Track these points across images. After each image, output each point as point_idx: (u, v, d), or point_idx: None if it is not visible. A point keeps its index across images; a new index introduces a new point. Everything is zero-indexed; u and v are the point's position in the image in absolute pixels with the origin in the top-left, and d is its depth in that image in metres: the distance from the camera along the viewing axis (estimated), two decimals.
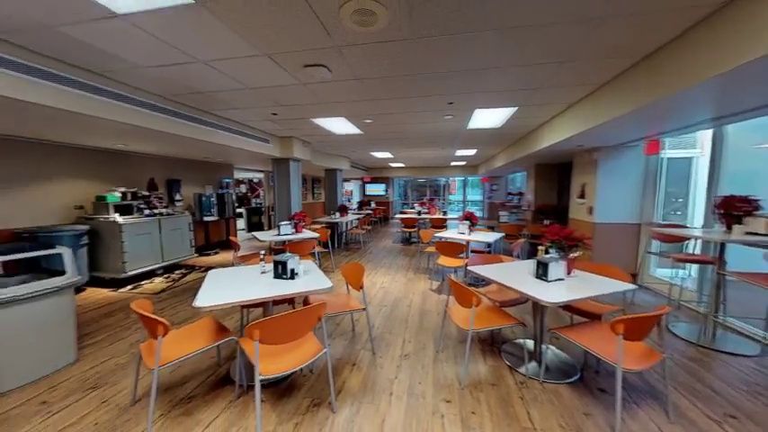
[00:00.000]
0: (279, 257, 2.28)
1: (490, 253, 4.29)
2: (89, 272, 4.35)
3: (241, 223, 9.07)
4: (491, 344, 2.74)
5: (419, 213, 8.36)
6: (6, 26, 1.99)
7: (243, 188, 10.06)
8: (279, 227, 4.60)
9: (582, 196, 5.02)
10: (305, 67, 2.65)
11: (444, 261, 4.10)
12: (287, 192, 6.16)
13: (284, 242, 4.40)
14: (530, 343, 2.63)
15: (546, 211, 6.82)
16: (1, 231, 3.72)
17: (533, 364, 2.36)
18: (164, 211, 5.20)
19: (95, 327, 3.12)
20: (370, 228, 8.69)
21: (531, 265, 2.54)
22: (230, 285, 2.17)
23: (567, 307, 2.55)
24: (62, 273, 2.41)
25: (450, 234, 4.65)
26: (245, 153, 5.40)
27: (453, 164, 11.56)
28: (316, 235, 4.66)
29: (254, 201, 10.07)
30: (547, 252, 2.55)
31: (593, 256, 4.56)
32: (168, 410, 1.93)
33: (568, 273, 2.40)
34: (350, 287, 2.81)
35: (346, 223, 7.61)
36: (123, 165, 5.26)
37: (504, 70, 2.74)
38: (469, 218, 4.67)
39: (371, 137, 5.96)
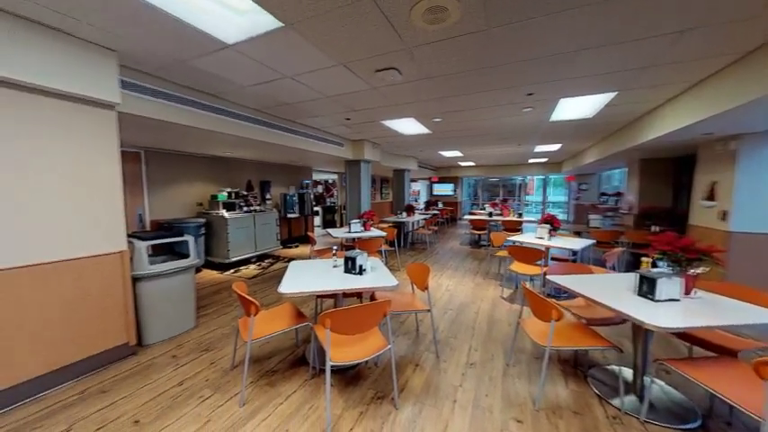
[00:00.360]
0: (349, 253, 2.43)
1: (576, 262, 3.75)
2: (205, 256, 5.38)
3: (317, 220, 9.97)
4: (574, 366, 2.40)
5: (490, 215, 7.84)
6: (156, 64, 2.61)
7: (319, 188, 11.04)
8: (350, 225, 4.90)
9: (711, 198, 3.97)
10: (376, 71, 2.76)
11: (518, 267, 3.76)
12: (357, 192, 6.52)
13: (354, 239, 4.67)
14: (627, 372, 2.21)
15: (655, 214, 5.62)
16: (152, 222, 4.93)
17: (631, 398, 1.98)
18: (257, 208, 6.08)
19: (208, 301, 3.84)
20: (436, 228, 8.54)
21: (631, 279, 2.13)
22: (307, 276, 2.40)
23: (685, 335, 2.06)
24: (187, 256, 3.04)
25: (525, 238, 4.24)
26: (322, 156, 5.91)
27: (532, 161, 10.48)
28: (383, 234, 4.80)
29: (328, 200, 10.95)
30: (654, 265, 2.10)
31: (728, 274, 3.56)
32: (257, 379, 2.25)
33: (687, 292, 1.93)
34: (415, 287, 2.82)
35: (413, 223, 7.64)
36: (228, 169, 6.34)
37: (599, 50, 2.36)
38: (550, 221, 4.17)
39: (440, 136, 5.84)
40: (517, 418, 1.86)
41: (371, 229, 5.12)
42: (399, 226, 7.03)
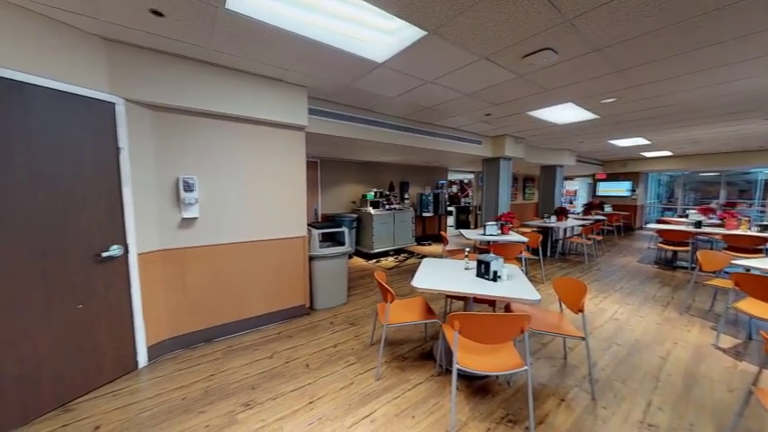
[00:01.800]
0: (482, 257, 2.29)
1: None
2: (355, 246, 6.45)
3: (450, 220, 9.96)
4: None
5: (698, 225, 5.50)
6: (329, 91, 3.31)
7: (454, 188, 10.98)
8: (484, 226, 4.62)
9: None
10: (524, 57, 2.46)
11: (755, 308, 2.46)
12: (495, 191, 6.05)
13: (489, 242, 4.37)
14: None
15: None
16: (322, 215, 6.34)
17: None
18: (397, 206, 6.71)
19: (355, 284, 4.57)
20: (600, 237, 6.78)
21: None
22: (438, 274, 2.44)
23: None
24: (343, 244, 3.72)
25: None
26: (459, 156, 5.83)
27: None
28: (524, 239, 4.26)
29: (463, 200, 10.74)
30: None
31: None
32: (389, 360, 2.50)
33: None
34: (564, 306, 2.35)
35: (565, 229, 6.38)
36: (374, 171, 7.31)
37: None
38: None
39: (612, 120, 4.58)
40: None
41: (510, 232, 4.63)
42: (546, 232, 6.05)
